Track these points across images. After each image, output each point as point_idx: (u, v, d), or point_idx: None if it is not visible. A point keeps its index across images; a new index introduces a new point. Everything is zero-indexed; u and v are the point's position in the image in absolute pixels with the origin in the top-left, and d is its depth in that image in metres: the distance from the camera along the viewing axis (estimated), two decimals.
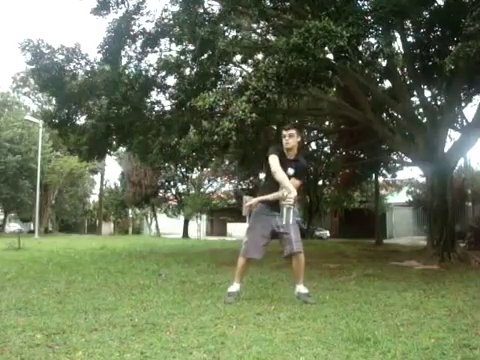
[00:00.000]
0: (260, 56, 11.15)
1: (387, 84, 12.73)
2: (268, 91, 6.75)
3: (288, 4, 8.83)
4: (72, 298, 4.42)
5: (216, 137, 7.20)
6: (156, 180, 31.19)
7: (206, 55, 8.72)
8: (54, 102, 13.21)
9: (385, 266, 8.09)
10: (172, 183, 32.57)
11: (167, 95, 10.85)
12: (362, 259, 9.71)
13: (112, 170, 64.41)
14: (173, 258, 9.51)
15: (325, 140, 19.67)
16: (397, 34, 8.62)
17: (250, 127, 6.94)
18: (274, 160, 4.15)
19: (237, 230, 31.55)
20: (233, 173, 27.36)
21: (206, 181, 32.32)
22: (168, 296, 4.53)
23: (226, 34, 8.84)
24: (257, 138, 11.37)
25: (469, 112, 21.61)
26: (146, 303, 4.14)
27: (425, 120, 10.88)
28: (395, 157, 16.11)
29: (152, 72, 10.40)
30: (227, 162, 22.94)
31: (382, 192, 26.99)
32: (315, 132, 18.74)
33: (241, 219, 32.76)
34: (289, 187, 3.96)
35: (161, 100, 10.87)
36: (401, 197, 29.52)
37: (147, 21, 9.85)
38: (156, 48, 10.13)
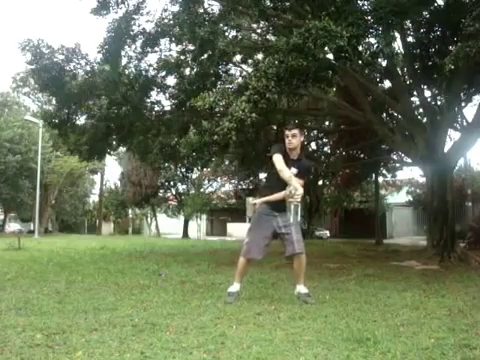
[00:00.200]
0: (260, 56, 11.14)
1: (387, 84, 12.75)
2: (268, 91, 6.74)
3: (288, 4, 8.82)
4: (72, 298, 4.42)
5: (216, 137, 7.19)
6: (156, 180, 31.19)
7: (206, 55, 8.71)
8: (54, 102, 13.21)
9: (385, 266, 8.09)
10: (172, 183, 32.57)
11: (167, 95, 10.85)
12: (362, 259, 9.71)
13: (112, 170, 64.56)
14: (173, 258, 9.51)
15: (325, 140, 19.65)
16: (397, 34, 8.61)
17: (250, 127, 6.92)
18: (279, 159, 4.15)
19: (237, 230, 31.56)
20: (233, 173, 27.36)
21: (206, 181, 32.33)
22: (168, 296, 4.53)
23: (226, 34, 8.82)
24: (257, 138, 11.37)
25: (469, 112, 21.63)
26: (146, 303, 4.14)
27: (425, 120, 10.88)
28: (395, 157, 16.11)
29: (152, 72, 10.41)
30: (227, 162, 22.92)
31: (382, 192, 26.98)
32: (315, 132, 18.73)
33: (241, 219, 32.84)
34: (296, 185, 3.97)
35: (161, 100, 10.89)
36: (401, 197, 29.54)
37: (147, 21, 9.84)
38: (156, 48, 10.12)
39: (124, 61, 10.05)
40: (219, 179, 31.57)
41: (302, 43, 6.30)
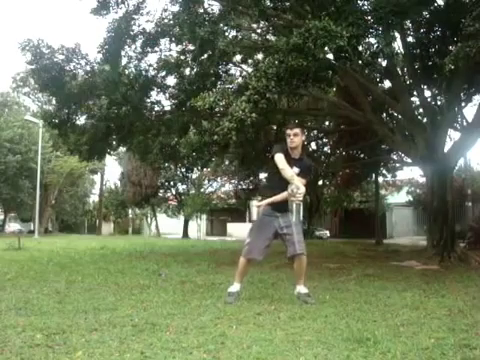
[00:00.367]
0: (260, 56, 11.13)
1: (387, 84, 12.75)
2: (268, 91, 6.74)
3: (288, 4, 8.82)
4: (72, 298, 4.42)
5: (216, 137, 7.20)
6: (156, 180, 31.19)
7: (206, 55, 8.71)
8: (54, 102, 13.21)
9: (385, 266, 8.09)
10: (172, 183, 32.57)
11: (167, 95, 10.85)
12: (362, 259, 9.71)
13: (112, 170, 64.54)
14: (173, 258, 9.51)
15: (325, 140, 19.64)
16: (397, 34, 8.61)
17: (250, 127, 6.92)
18: (281, 158, 4.15)
19: (237, 230, 31.56)
20: (233, 173, 27.34)
21: (206, 181, 32.32)
22: (168, 296, 4.53)
23: (226, 34, 8.82)
24: (257, 138, 11.36)
25: (469, 112, 21.63)
26: (146, 303, 4.14)
27: (425, 120, 10.88)
28: (395, 157, 16.11)
29: (152, 72, 10.40)
30: (227, 162, 22.90)
31: (382, 192, 26.98)
32: (315, 132, 18.72)
33: (241, 219, 32.90)
34: (298, 183, 3.96)
35: (161, 100, 10.88)
36: (401, 197, 29.54)
37: (147, 21, 9.84)
38: (156, 48, 10.11)
39: (124, 61, 10.06)
40: (219, 179, 31.56)
41: (302, 43, 6.30)
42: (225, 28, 8.81)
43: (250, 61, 12.16)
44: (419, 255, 9.50)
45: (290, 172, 4.07)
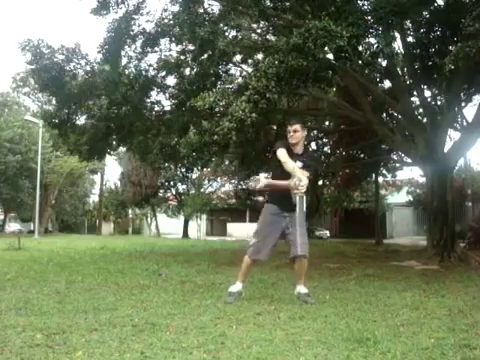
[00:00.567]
0: (260, 56, 11.13)
1: (387, 84, 12.75)
2: (268, 91, 6.74)
3: (288, 4, 8.82)
4: (72, 298, 4.42)
5: (216, 137, 7.19)
6: (156, 180, 31.20)
7: (206, 55, 8.71)
8: (54, 102, 13.21)
9: (385, 266, 8.09)
10: (172, 183, 32.58)
11: (167, 95, 10.85)
12: (362, 259, 9.71)
13: (112, 170, 64.61)
14: (173, 258, 9.52)
15: (325, 140, 19.64)
16: (397, 34, 8.61)
17: (250, 127, 6.91)
18: (283, 152, 4.15)
19: (237, 230, 31.58)
20: (233, 173, 27.33)
21: (206, 181, 32.32)
22: (168, 296, 4.53)
23: (226, 34, 8.81)
24: (257, 138, 11.36)
25: (469, 112, 21.64)
26: (146, 303, 4.14)
27: (425, 120, 10.87)
28: (395, 157, 16.11)
29: (152, 72, 10.40)
30: (227, 162, 22.89)
31: (382, 192, 26.99)
32: (315, 132, 18.71)
33: (241, 219, 32.88)
34: (300, 175, 3.96)
35: (161, 100, 10.88)
36: (401, 197, 29.55)
37: (147, 21, 9.84)
38: (156, 48, 10.11)
39: (124, 61, 10.06)
40: (219, 179, 31.57)
41: (302, 43, 6.30)
42: (225, 28, 8.81)
43: (250, 61, 12.16)
44: (419, 255, 9.50)
45: (292, 164, 4.06)
